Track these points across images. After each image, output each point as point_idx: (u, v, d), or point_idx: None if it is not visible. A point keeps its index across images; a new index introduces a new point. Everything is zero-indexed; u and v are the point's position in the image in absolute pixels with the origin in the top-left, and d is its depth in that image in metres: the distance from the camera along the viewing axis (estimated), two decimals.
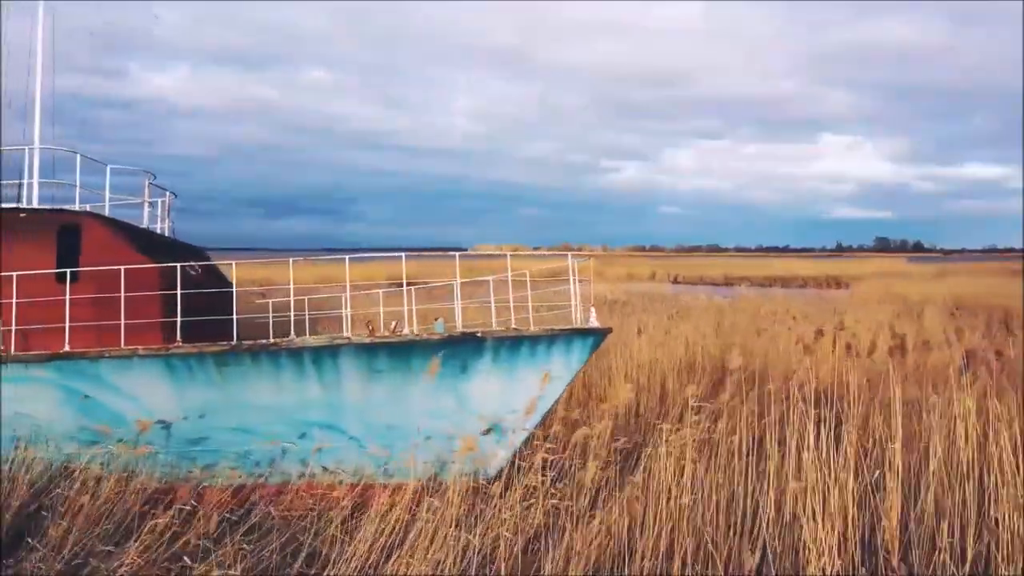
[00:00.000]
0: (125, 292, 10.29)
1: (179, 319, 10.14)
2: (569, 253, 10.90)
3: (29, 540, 9.10)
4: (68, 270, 10.43)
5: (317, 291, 13.25)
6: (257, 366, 10.13)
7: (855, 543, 6.54)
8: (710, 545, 6.89)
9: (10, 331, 10.28)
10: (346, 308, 11.61)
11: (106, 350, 10.00)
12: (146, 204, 12.81)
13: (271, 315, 12.06)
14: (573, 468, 9.23)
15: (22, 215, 10.95)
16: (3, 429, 10.29)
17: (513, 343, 10.38)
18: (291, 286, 10.35)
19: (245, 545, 8.46)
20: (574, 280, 10.76)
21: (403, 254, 11.99)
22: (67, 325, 10.15)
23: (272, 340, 10.08)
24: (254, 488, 10.67)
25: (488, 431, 10.79)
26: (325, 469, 10.81)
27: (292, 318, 10.26)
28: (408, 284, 10.88)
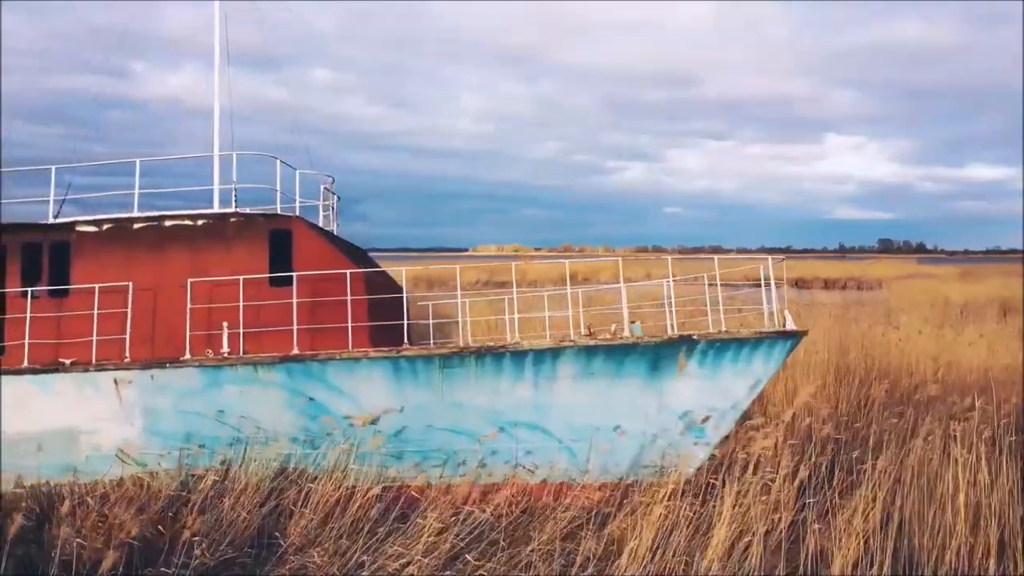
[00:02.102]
0: (337, 296, 10.53)
1: (407, 322, 10.37)
2: (769, 257, 11.15)
3: (277, 535, 9.35)
4: (293, 274, 10.64)
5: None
6: (479, 368, 10.35)
7: None
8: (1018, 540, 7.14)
9: (237, 333, 10.49)
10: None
11: (336, 352, 10.20)
12: (321, 207, 13.01)
13: (431, 321, 12.31)
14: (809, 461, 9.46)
15: (232, 219, 11.16)
16: (228, 430, 10.49)
17: (722, 346, 10.63)
18: (528, 293, 10.55)
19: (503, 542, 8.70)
20: (772, 283, 11.00)
21: (619, 259, 12.22)
22: (295, 328, 10.35)
23: (499, 343, 10.31)
24: (461, 488, 10.88)
25: (687, 431, 11.03)
26: (528, 469, 11.02)
27: (515, 321, 10.48)
28: (625, 284, 11.10)
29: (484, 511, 9.97)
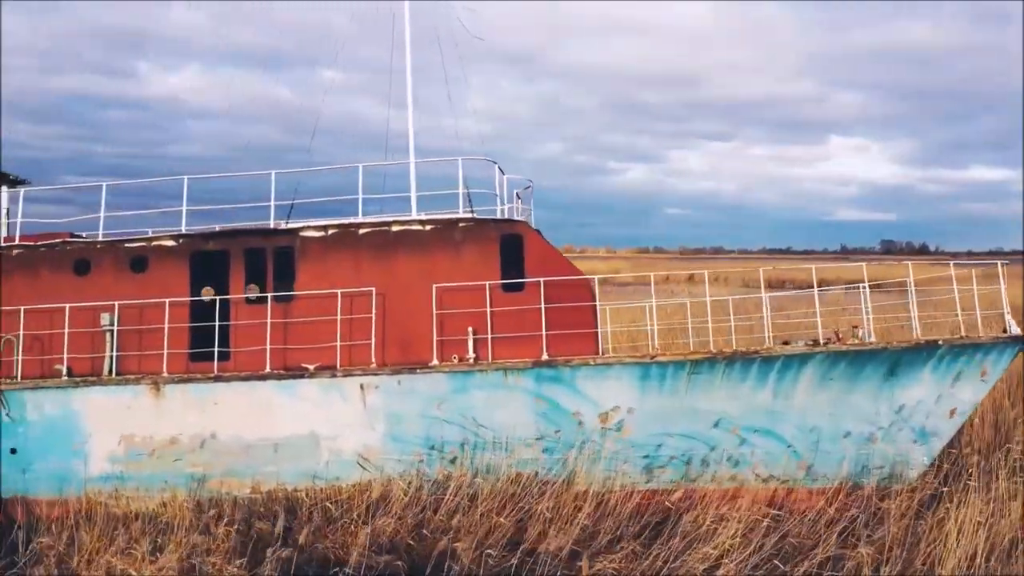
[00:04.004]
0: (569, 301, 10.55)
1: (654, 327, 10.38)
2: (999, 262, 11.21)
3: (537, 549, 9.27)
4: (541, 279, 10.60)
5: None
6: (726, 374, 10.36)
7: None
8: None
9: (466, 340, 10.46)
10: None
11: (589, 357, 10.21)
12: (518, 209, 12.96)
13: (610, 328, 12.28)
14: None
15: (462, 224, 11.12)
16: (470, 435, 10.45)
17: (959, 351, 10.68)
18: (763, 293, 10.57)
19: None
20: (1004, 287, 11.02)
21: (861, 265, 12.23)
22: (544, 334, 10.34)
23: (753, 348, 10.33)
24: (698, 492, 10.84)
25: (914, 435, 11.06)
26: (760, 475, 10.99)
27: (766, 323, 10.49)
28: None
29: (733, 515, 9.99)
